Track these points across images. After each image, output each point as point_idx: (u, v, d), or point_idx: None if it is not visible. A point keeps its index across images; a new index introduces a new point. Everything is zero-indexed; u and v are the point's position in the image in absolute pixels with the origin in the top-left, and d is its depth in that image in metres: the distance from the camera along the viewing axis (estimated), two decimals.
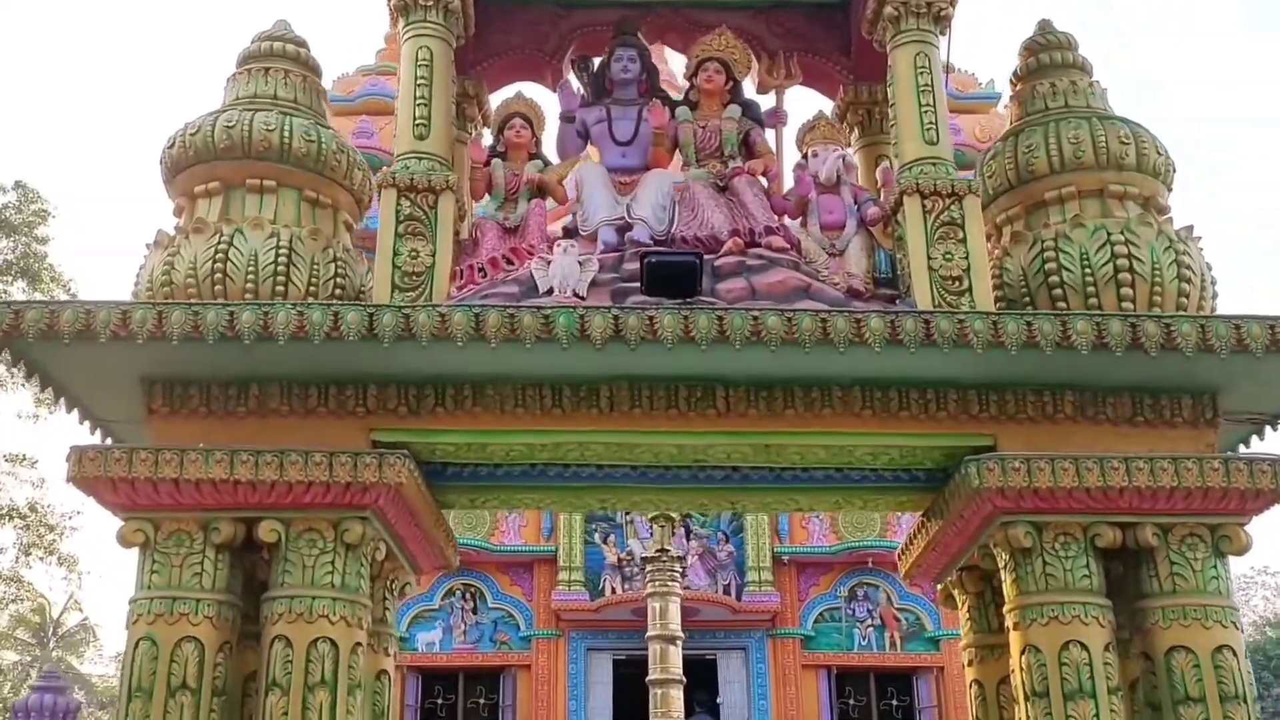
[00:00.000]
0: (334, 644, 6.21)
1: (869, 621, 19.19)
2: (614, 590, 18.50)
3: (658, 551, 12.28)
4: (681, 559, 12.52)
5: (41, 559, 28.25)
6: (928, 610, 19.09)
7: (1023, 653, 6.27)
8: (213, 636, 6.32)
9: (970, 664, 7.28)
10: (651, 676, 11.97)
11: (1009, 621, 6.45)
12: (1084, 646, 6.10)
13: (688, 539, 19.17)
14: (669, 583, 12.13)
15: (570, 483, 7.25)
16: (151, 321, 6.25)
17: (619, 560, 18.61)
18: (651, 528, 19.29)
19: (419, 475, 6.70)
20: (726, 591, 18.78)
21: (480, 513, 19.50)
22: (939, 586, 7.89)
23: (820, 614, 19.21)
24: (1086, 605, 6.19)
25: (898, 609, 19.21)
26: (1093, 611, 6.19)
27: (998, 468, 6.25)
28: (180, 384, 6.78)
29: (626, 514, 19.06)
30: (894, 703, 19.15)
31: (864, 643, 19.10)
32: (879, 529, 19.44)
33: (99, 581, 39.54)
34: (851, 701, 19.07)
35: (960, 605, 7.55)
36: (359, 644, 6.38)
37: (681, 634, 12.10)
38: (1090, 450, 6.32)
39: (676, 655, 11.92)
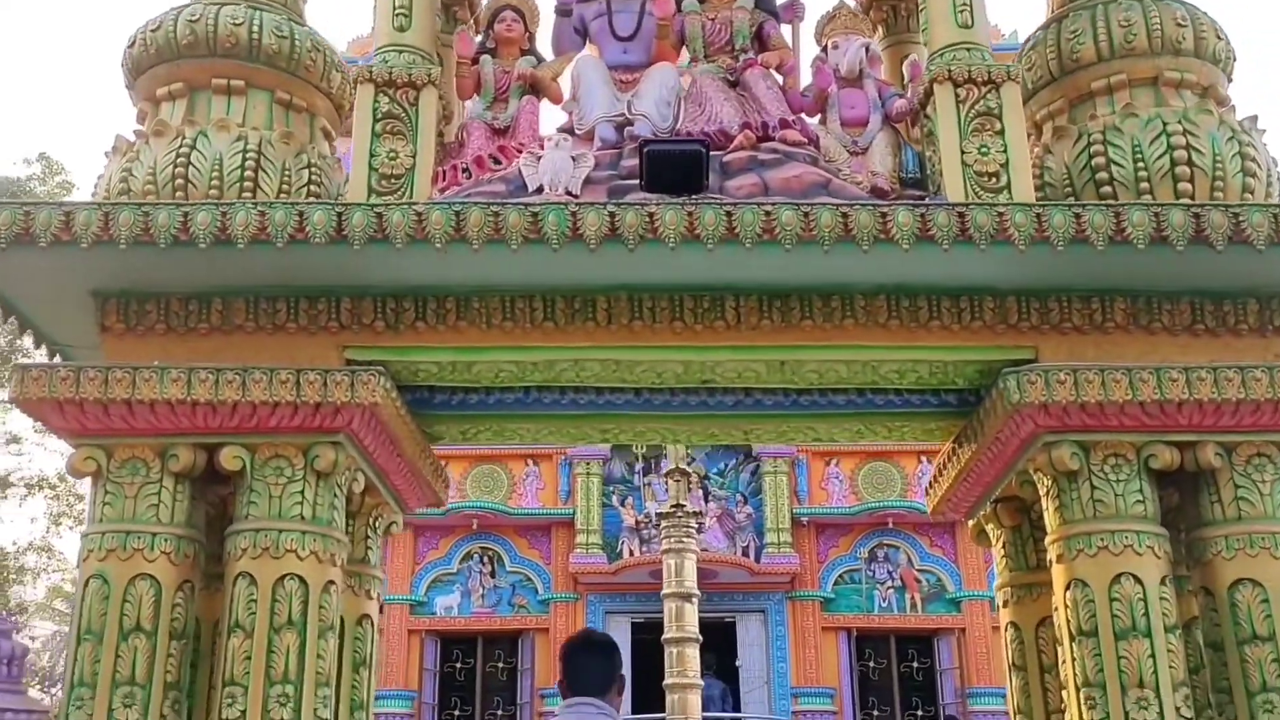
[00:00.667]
0: (303, 581, 5.36)
1: (889, 583, 18.34)
2: (632, 553, 17.72)
3: (673, 507, 11.42)
4: (698, 514, 11.67)
5: (71, 528, 27.69)
6: (949, 571, 18.23)
7: (1067, 588, 5.36)
8: (170, 574, 5.48)
9: (1006, 605, 6.37)
10: (667, 635, 11.13)
11: (1051, 555, 5.54)
12: (1137, 580, 5.19)
13: (706, 500, 18.36)
14: (684, 539, 11.29)
15: (567, 410, 6.37)
16: (97, 224, 5.42)
17: (637, 522, 17.82)
18: (667, 485, 18.48)
19: (397, 396, 5.86)
20: (745, 553, 17.97)
21: (499, 476, 18.80)
22: (970, 523, 6.98)
23: (840, 576, 18.37)
24: (1140, 534, 5.27)
25: (918, 570, 18.35)
26: (1147, 541, 5.27)
27: (1040, 380, 5.35)
28: (135, 298, 5.96)
29: (644, 475, 18.28)
30: (915, 665, 18.31)
31: (884, 604, 18.25)
32: (900, 489, 18.59)
33: None
34: (872, 664, 18.24)
35: (994, 541, 6.63)
36: (332, 583, 5.52)
37: (697, 592, 11.25)
38: (1144, 362, 5.43)
39: (692, 613, 11.08)
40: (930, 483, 7.06)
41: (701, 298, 5.78)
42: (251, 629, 5.27)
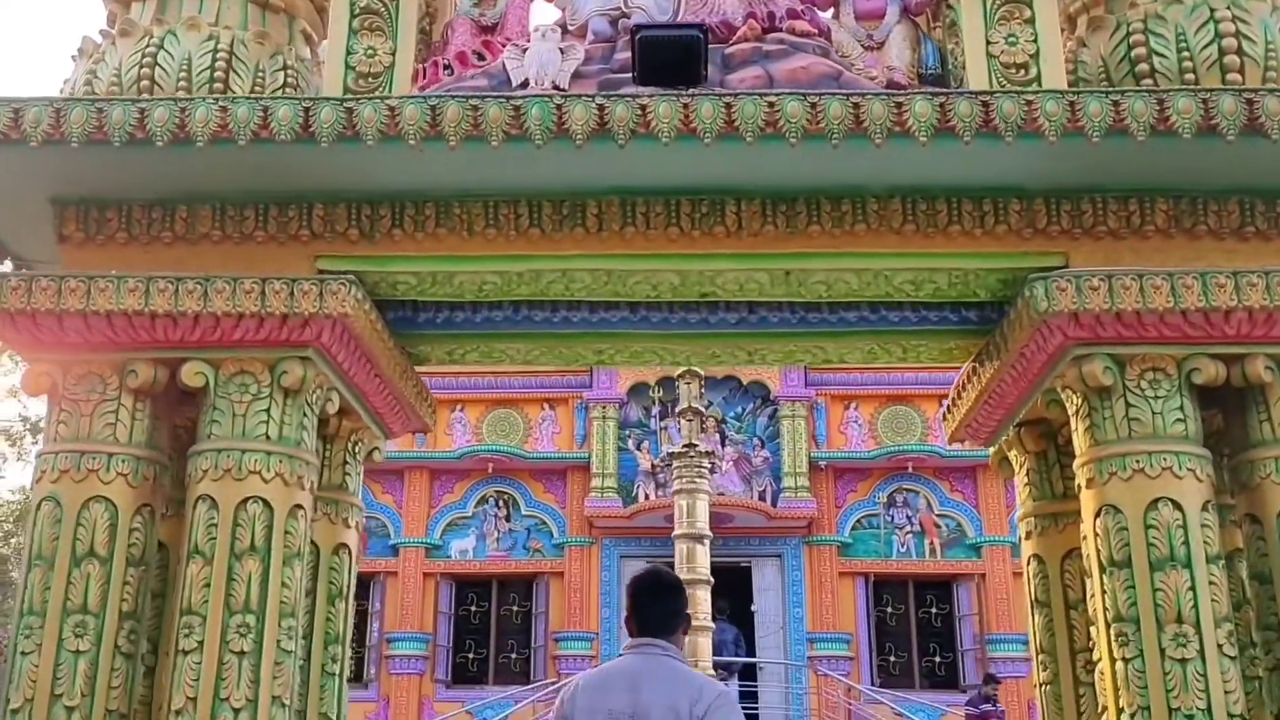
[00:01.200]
0: (267, 505, 4.88)
1: (908, 528, 17.76)
2: (647, 496, 17.20)
3: (685, 447, 10.88)
4: (710, 454, 11.11)
5: None
6: (969, 516, 17.65)
7: (1098, 515, 4.78)
8: (128, 497, 4.99)
9: (1029, 537, 5.79)
10: (680, 574, 10.63)
11: (1080, 480, 4.96)
12: (1176, 505, 4.62)
13: (723, 445, 17.80)
14: (696, 479, 10.75)
15: (559, 329, 5.81)
16: (48, 121, 4.90)
17: (653, 466, 17.27)
18: (681, 425, 17.95)
19: (371, 308, 5.32)
20: (762, 498, 17.41)
21: (514, 420, 18.28)
22: (991, 449, 6.40)
23: (858, 521, 17.80)
24: (1179, 455, 4.69)
25: (938, 515, 17.76)
26: (1187, 463, 4.69)
27: (1071, 286, 4.75)
28: (95, 206, 5.43)
29: (661, 419, 17.73)
30: (933, 610, 17.76)
31: (903, 550, 17.69)
32: (919, 433, 17.97)
33: None
34: (889, 609, 17.70)
35: (1017, 469, 6.04)
36: (300, 507, 5.03)
37: (709, 533, 10.72)
38: (1187, 267, 4.82)
39: (704, 555, 10.57)
40: (948, 407, 6.46)
41: (700, 201, 5.20)
42: (211, 555, 4.78)
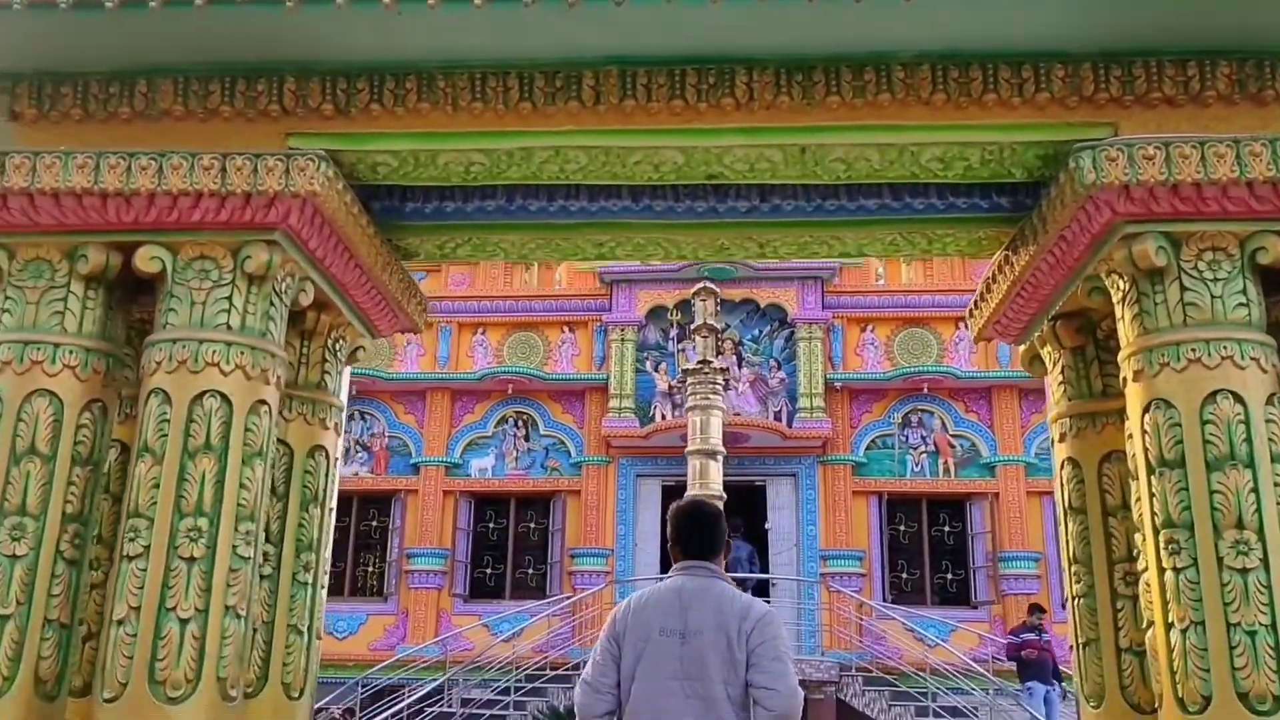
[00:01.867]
0: (225, 400, 4.24)
1: (922, 448, 17.12)
2: (664, 417, 16.60)
3: (699, 363, 10.21)
4: (725, 370, 10.44)
5: None
6: (984, 436, 16.98)
7: (1146, 411, 4.09)
8: (74, 391, 4.36)
9: (1062, 439, 5.07)
10: (690, 493, 10.01)
11: (1126, 372, 4.25)
12: (1237, 398, 3.93)
13: (740, 366, 17.15)
14: (710, 395, 10.11)
15: (555, 219, 5.12)
16: None
17: (670, 387, 16.65)
18: (696, 342, 17.30)
19: (345, 189, 4.64)
20: (778, 418, 16.79)
21: (534, 343, 17.66)
22: (1022, 348, 5.64)
23: (872, 441, 17.17)
24: (1242, 343, 3.98)
25: (952, 436, 17.10)
26: (1250, 351, 3.97)
27: (1122, 156, 4.01)
28: (50, 80, 4.76)
29: (679, 341, 17.09)
30: (945, 529, 17.18)
31: (916, 469, 17.06)
32: (936, 354, 17.25)
33: None
34: (902, 527, 17.13)
35: (1050, 366, 5.28)
36: (263, 403, 4.39)
37: (722, 449, 10.09)
38: (1255, 135, 4.08)
39: (717, 471, 9.95)
40: (974, 303, 5.72)
41: (706, 71, 4.47)
42: (162, 453, 4.15)
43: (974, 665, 14.05)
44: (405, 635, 16.62)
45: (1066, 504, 4.95)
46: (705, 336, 10.45)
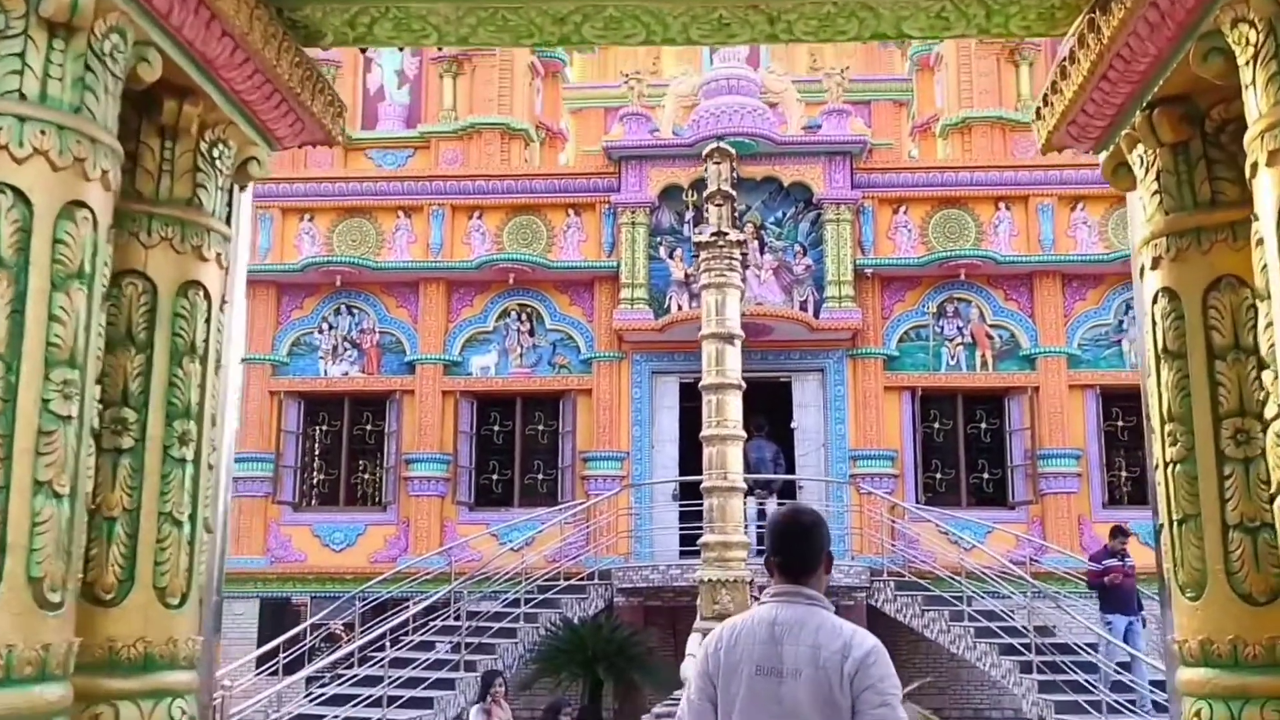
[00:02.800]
0: (20, 197, 3.11)
1: (958, 339, 16.52)
2: (680, 308, 15.97)
3: (714, 235, 9.57)
4: (742, 244, 9.79)
5: None
6: (1024, 326, 16.37)
7: None
8: None
9: (1155, 265, 4.12)
10: (705, 381, 9.46)
11: (1256, 156, 3.23)
12: None
13: (761, 252, 16.45)
14: (727, 272, 9.45)
15: None
16: None
17: (686, 275, 15.99)
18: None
19: None
20: (803, 308, 16.15)
21: (536, 227, 16.94)
22: (1104, 155, 4.58)
23: (905, 332, 16.56)
24: None
25: (990, 326, 16.48)
26: None
27: None
28: None
29: (695, 224, 16.41)
30: (982, 425, 16.68)
31: (952, 362, 16.50)
32: (973, 238, 16.54)
33: None
34: (936, 425, 16.61)
35: (1141, 174, 4.26)
36: (82, 206, 3.24)
37: (740, 332, 9.50)
38: None
39: (734, 357, 9.34)
40: (1043, 99, 4.72)
41: None
42: None
43: (1011, 568, 13.66)
44: (407, 546, 16.27)
45: (1160, 347, 4.10)
46: (720, 205, 9.71)
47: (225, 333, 3.71)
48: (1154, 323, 4.04)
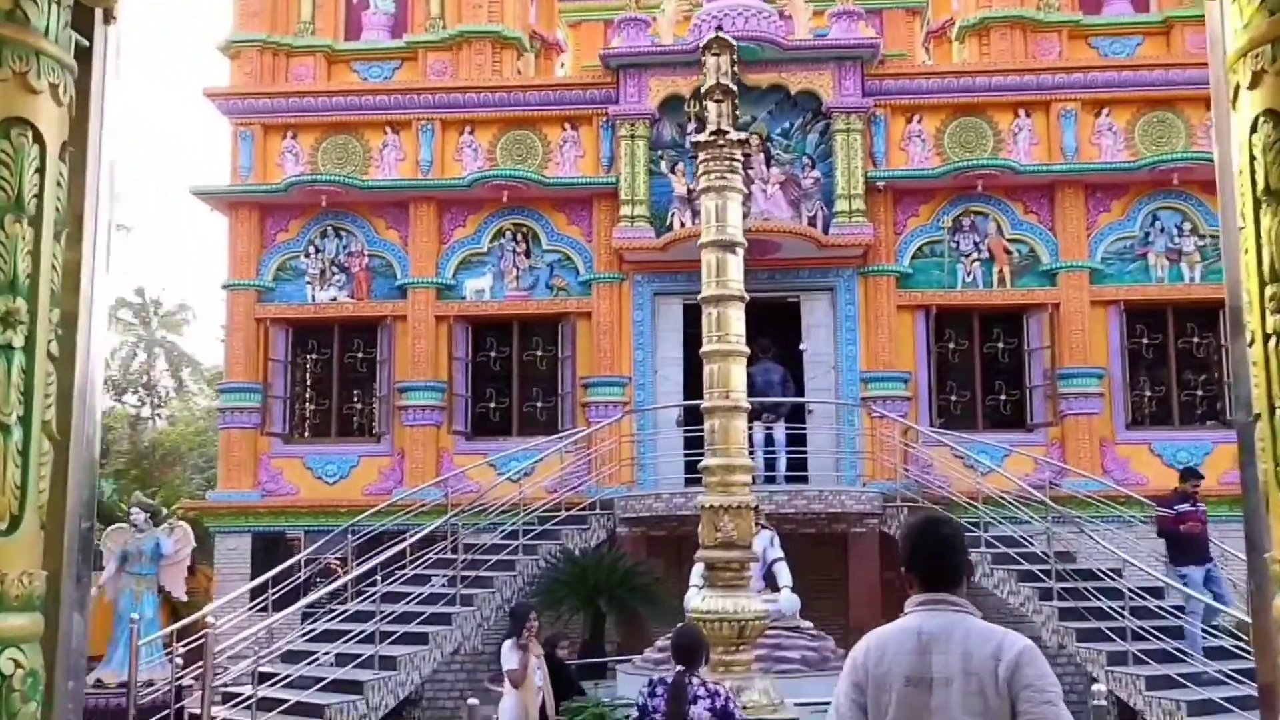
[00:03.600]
0: None
1: (974, 255, 15.85)
2: (683, 225, 15.30)
3: (713, 134, 8.90)
4: (744, 143, 9.12)
5: None
6: (1044, 240, 15.68)
7: None
8: None
9: (1254, 84, 3.01)
10: (705, 293, 8.84)
11: None
12: None
13: (768, 165, 15.75)
14: (727, 174, 8.80)
15: None
16: None
17: (689, 191, 15.31)
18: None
19: None
20: (812, 224, 15.47)
21: (531, 142, 16.27)
22: None
23: (919, 248, 15.88)
24: None
25: (1008, 240, 15.79)
26: None
27: None
28: None
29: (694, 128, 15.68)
30: (999, 345, 16.08)
31: (968, 279, 15.85)
32: (991, 147, 15.81)
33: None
34: (952, 345, 16.01)
35: None
36: None
37: (743, 240, 8.86)
38: None
39: (736, 266, 8.71)
40: None
41: None
42: None
43: (1030, 491, 13.12)
44: (402, 478, 15.80)
45: (1260, 188, 3.28)
46: (719, 101, 9.00)
47: (61, 188, 2.83)
48: (1251, 158, 3.22)
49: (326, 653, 12.10)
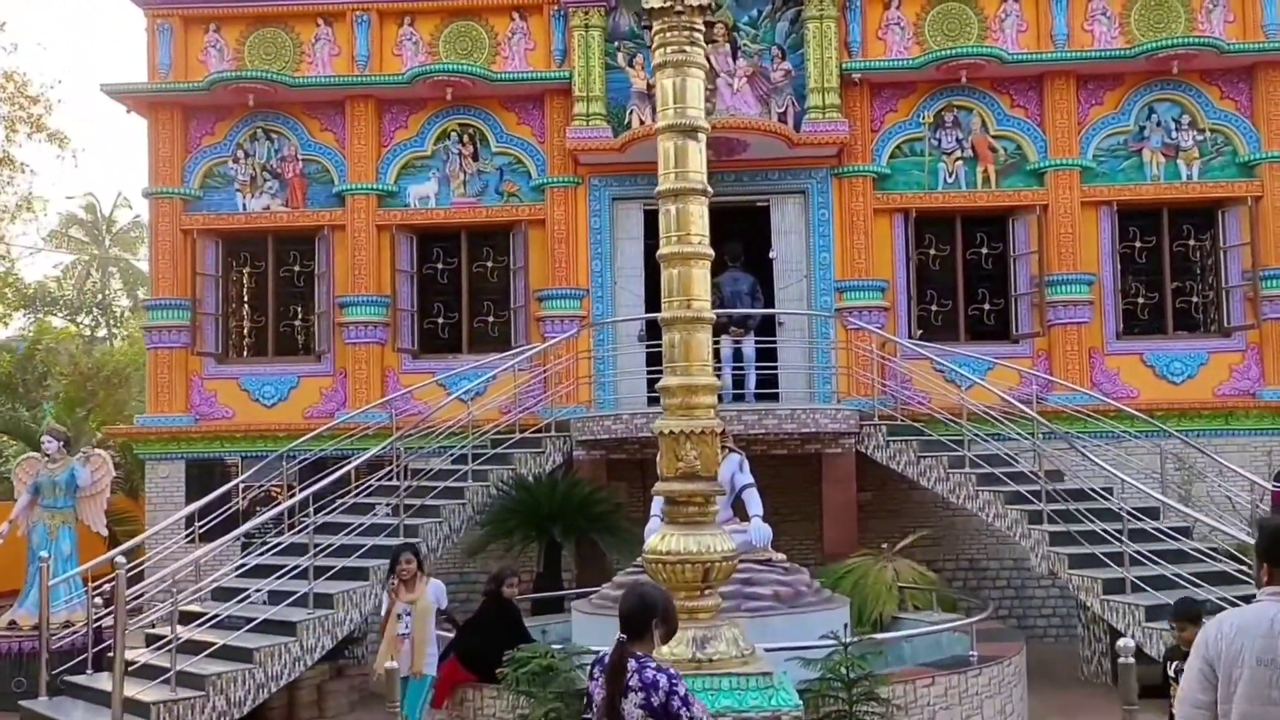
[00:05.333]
0: None
1: (957, 153, 14.66)
2: (642, 122, 14.03)
3: (668, 1, 7.59)
4: (706, 9, 7.83)
5: (30, 136, 24.29)
6: (1032, 136, 14.50)
7: None
8: None
9: None
10: (661, 187, 7.57)
11: None
12: None
13: (734, 58, 14.47)
14: (686, 47, 7.47)
15: None
16: None
17: (649, 86, 13.98)
18: None
19: None
20: (782, 120, 14.21)
21: (476, 34, 14.92)
22: None
23: (898, 146, 14.67)
24: None
25: (994, 136, 14.62)
26: None
27: None
28: None
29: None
30: (983, 250, 14.97)
31: (950, 180, 14.68)
32: (977, 33, 14.56)
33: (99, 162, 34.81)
34: (932, 251, 14.89)
35: None
36: None
37: (705, 124, 7.58)
38: None
39: (697, 156, 7.42)
40: None
41: None
42: None
43: (1016, 405, 12.10)
44: (345, 399, 14.67)
45: None
46: None
47: None
48: None
49: (259, 589, 11.02)
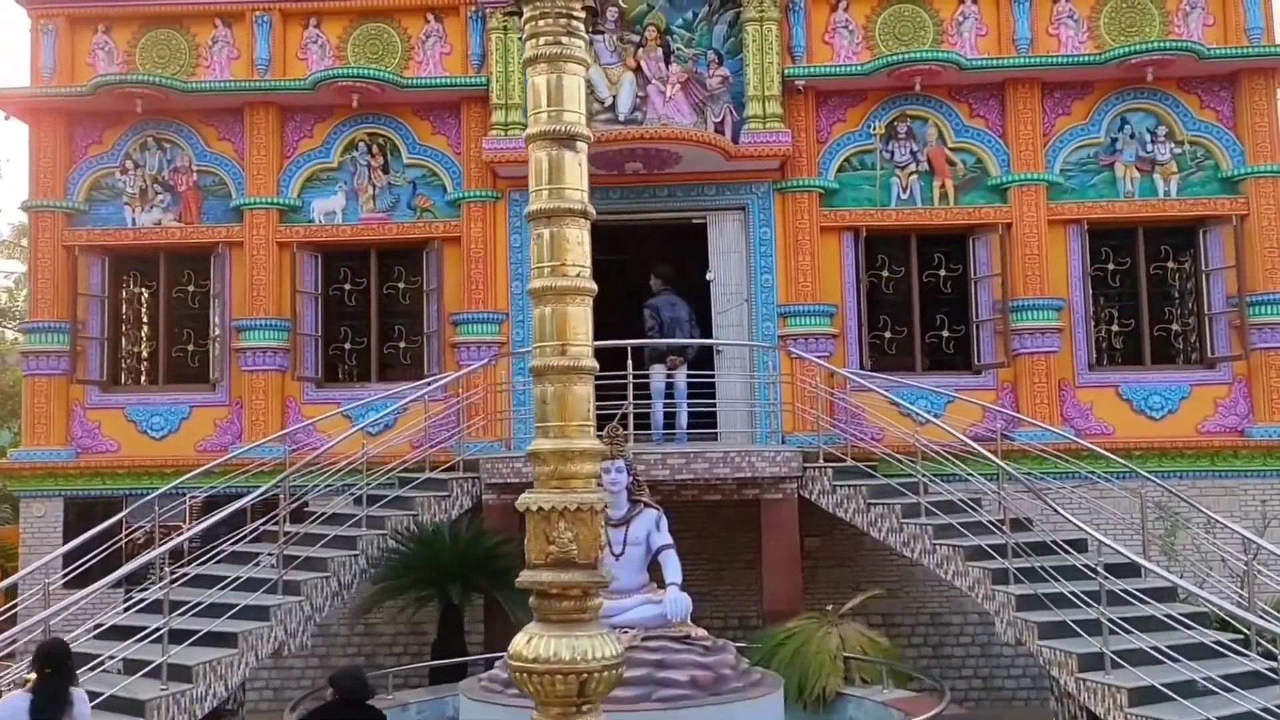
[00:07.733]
0: None
1: (912, 167, 13.09)
2: None
3: None
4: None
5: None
6: (993, 148, 12.96)
7: None
8: None
9: None
10: (532, 207, 5.75)
11: None
12: None
13: (667, 63, 12.86)
14: (563, 38, 5.71)
15: None
16: None
17: None
18: (614, 42, 12.98)
19: None
20: (720, 130, 12.62)
21: (388, 37, 13.31)
22: None
23: (846, 159, 13.09)
24: None
25: (952, 148, 13.08)
26: None
27: None
28: None
29: (592, 32, 12.70)
30: (941, 273, 13.40)
31: (904, 196, 13.10)
32: (933, 37, 13.01)
33: None
34: (885, 273, 13.32)
35: None
36: None
37: (585, 132, 5.77)
38: None
39: (576, 170, 5.62)
40: None
41: None
42: None
43: (974, 446, 10.47)
44: (241, 432, 12.97)
45: None
46: None
47: None
48: None
49: (112, 656, 9.26)
